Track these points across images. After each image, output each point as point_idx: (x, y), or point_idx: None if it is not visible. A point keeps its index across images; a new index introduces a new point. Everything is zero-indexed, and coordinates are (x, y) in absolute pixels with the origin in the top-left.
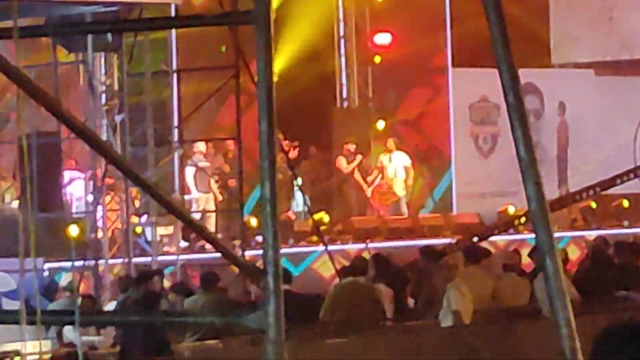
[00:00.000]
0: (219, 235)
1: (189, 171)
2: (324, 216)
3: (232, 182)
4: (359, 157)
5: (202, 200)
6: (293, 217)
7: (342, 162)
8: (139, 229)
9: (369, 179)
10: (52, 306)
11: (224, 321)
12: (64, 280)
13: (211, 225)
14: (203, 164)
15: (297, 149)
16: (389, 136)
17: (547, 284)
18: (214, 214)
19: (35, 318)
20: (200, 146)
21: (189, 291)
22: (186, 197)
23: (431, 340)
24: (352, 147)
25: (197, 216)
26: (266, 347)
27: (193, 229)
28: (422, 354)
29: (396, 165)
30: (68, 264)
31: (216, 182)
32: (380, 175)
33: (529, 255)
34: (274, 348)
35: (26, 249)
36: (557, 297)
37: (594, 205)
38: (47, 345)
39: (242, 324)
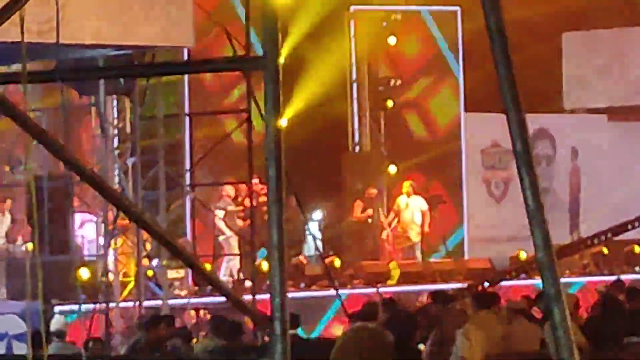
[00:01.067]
0: (230, 279)
1: (219, 215)
2: (335, 260)
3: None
4: (370, 211)
5: (233, 242)
6: (305, 261)
7: (356, 209)
8: (150, 272)
9: (386, 220)
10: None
11: None
12: (54, 324)
13: (235, 268)
14: (232, 208)
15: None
16: (402, 180)
17: (554, 333)
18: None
19: None
20: (229, 190)
21: (192, 336)
22: (220, 238)
23: None
24: (373, 191)
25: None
26: None
27: (200, 274)
28: None
29: (413, 209)
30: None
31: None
32: (396, 219)
33: (536, 300)
34: None
35: (35, 292)
36: (564, 346)
37: (605, 250)
38: None
39: None
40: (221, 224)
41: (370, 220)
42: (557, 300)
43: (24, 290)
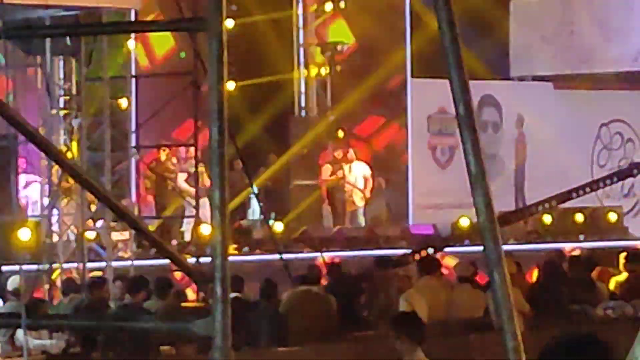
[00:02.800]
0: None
1: (181, 177)
2: (279, 224)
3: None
4: (340, 173)
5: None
6: (249, 224)
7: (324, 173)
8: (93, 234)
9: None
10: None
11: (171, 327)
12: (11, 283)
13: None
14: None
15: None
16: (348, 146)
17: (494, 296)
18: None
19: None
20: (192, 152)
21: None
22: (188, 200)
23: (383, 350)
24: (338, 153)
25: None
26: (213, 354)
27: (144, 236)
28: None
29: (356, 175)
30: (23, 267)
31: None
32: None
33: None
34: (221, 355)
35: None
36: (504, 309)
37: (549, 218)
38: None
39: (189, 331)
40: (185, 186)
41: (342, 182)
42: (497, 264)
43: None
